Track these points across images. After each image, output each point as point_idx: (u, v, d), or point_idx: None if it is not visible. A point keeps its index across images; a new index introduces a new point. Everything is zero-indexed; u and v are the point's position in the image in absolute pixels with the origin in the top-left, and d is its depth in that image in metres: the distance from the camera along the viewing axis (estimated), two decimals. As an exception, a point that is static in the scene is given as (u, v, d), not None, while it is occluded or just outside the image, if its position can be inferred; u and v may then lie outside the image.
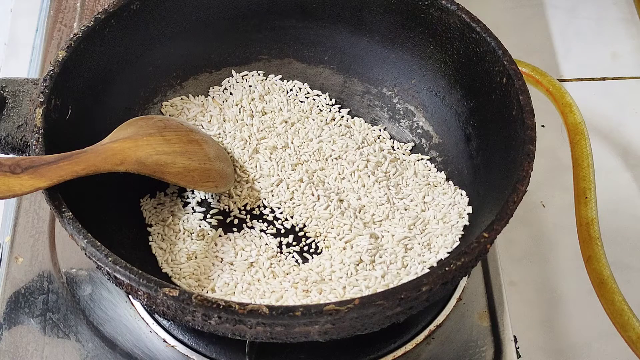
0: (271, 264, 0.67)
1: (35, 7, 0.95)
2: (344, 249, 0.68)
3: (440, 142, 0.74)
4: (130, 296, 0.67)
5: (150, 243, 0.68)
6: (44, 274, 0.71)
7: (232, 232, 0.70)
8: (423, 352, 0.68)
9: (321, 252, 0.69)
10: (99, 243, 0.56)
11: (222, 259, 0.67)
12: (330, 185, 0.72)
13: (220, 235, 0.69)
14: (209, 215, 0.71)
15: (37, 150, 0.60)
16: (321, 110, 0.77)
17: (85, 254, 0.58)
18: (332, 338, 0.58)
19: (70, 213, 0.57)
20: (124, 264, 0.55)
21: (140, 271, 0.55)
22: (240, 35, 0.77)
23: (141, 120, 0.67)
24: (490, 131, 0.68)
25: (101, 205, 0.65)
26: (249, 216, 0.71)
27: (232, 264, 0.67)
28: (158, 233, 0.69)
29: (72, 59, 0.65)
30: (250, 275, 0.66)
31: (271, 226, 0.70)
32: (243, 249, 0.68)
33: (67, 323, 0.68)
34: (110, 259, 0.55)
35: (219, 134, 0.75)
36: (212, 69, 0.78)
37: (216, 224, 0.70)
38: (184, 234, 0.69)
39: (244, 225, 0.70)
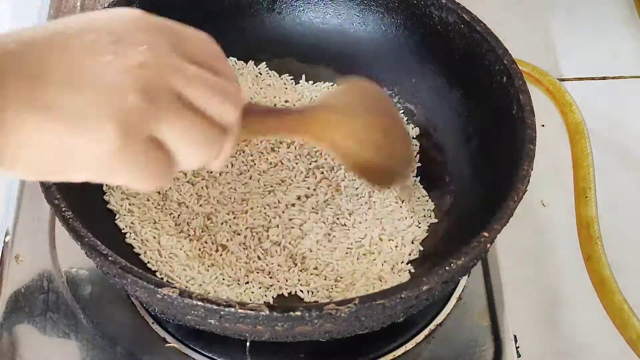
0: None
1: (35, 7, 0.95)
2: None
3: (440, 141, 0.74)
4: (130, 296, 0.67)
5: (131, 241, 0.68)
6: (44, 274, 0.71)
7: (219, 231, 0.70)
8: (423, 352, 0.68)
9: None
10: (99, 243, 0.56)
11: (210, 255, 0.67)
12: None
13: (207, 234, 0.69)
14: (197, 217, 0.70)
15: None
16: (321, 110, 0.77)
17: (86, 253, 0.58)
18: (332, 338, 0.58)
19: (71, 213, 0.57)
20: (124, 263, 0.55)
21: (140, 271, 0.55)
22: (239, 34, 0.77)
23: (360, 91, 0.58)
24: (490, 130, 0.68)
25: (101, 205, 0.65)
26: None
27: (220, 259, 0.67)
28: (145, 231, 0.69)
29: (72, 59, 0.65)
30: (237, 270, 0.66)
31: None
32: (231, 251, 0.68)
33: (67, 323, 0.68)
34: (110, 258, 0.55)
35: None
36: (212, 69, 0.78)
37: (203, 224, 0.70)
38: (172, 232, 0.69)
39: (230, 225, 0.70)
